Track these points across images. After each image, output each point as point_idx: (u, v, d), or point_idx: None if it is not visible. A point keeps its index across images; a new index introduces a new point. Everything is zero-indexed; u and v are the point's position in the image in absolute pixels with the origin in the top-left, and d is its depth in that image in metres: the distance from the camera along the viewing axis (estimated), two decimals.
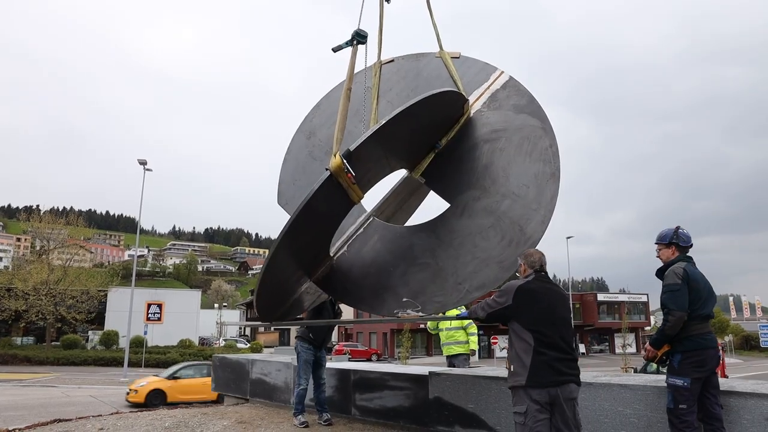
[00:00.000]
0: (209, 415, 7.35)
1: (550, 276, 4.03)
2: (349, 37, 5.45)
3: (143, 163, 25.49)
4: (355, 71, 5.55)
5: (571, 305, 48.03)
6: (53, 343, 34.91)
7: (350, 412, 6.73)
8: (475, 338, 8.21)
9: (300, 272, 5.51)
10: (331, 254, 5.84)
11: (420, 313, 5.04)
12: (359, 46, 5.50)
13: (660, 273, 4.23)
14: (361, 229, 6.03)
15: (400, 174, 6.18)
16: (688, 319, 3.92)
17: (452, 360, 8.00)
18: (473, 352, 8.15)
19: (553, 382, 3.38)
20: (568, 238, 40.75)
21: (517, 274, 4.11)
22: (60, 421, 7.45)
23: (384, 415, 6.33)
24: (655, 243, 4.38)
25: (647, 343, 4.19)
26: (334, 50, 5.56)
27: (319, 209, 4.77)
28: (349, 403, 6.77)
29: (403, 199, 6.48)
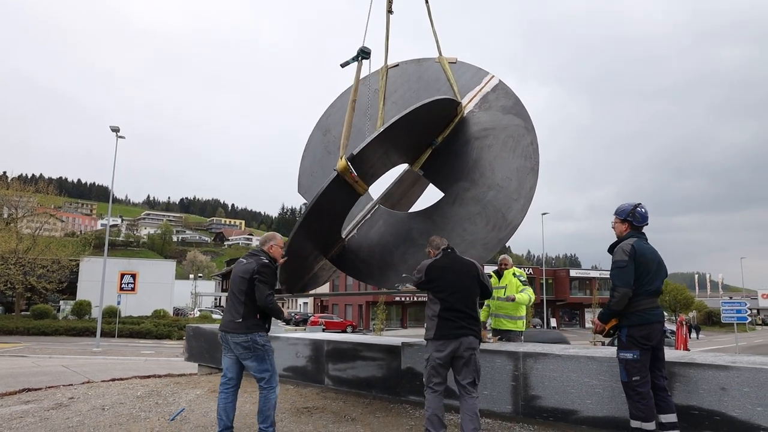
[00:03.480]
0: (182, 385, 7.36)
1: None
2: (355, 54, 5.98)
3: (116, 130, 24.69)
4: (363, 75, 6.14)
5: (544, 281, 49.10)
6: (23, 312, 34.32)
7: (323, 381, 6.80)
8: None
9: (316, 252, 6.21)
10: (343, 236, 6.50)
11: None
12: (364, 61, 6.00)
13: (612, 249, 4.26)
14: (369, 215, 6.76)
15: (404, 167, 6.83)
16: (635, 295, 3.99)
17: (503, 335, 6.72)
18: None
19: (454, 334, 4.24)
20: (543, 214, 41.35)
21: (427, 250, 4.79)
22: (29, 390, 7.37)
23: (357, 385, 6.42)
24: (613, 215, 4.39)
25: (594, 317, 4.28)
26: (343, 66, 6.12)
27: (329, 202, 5.45)
28: (321, 373, 6.84)
29: (406, 189, 7.20)
